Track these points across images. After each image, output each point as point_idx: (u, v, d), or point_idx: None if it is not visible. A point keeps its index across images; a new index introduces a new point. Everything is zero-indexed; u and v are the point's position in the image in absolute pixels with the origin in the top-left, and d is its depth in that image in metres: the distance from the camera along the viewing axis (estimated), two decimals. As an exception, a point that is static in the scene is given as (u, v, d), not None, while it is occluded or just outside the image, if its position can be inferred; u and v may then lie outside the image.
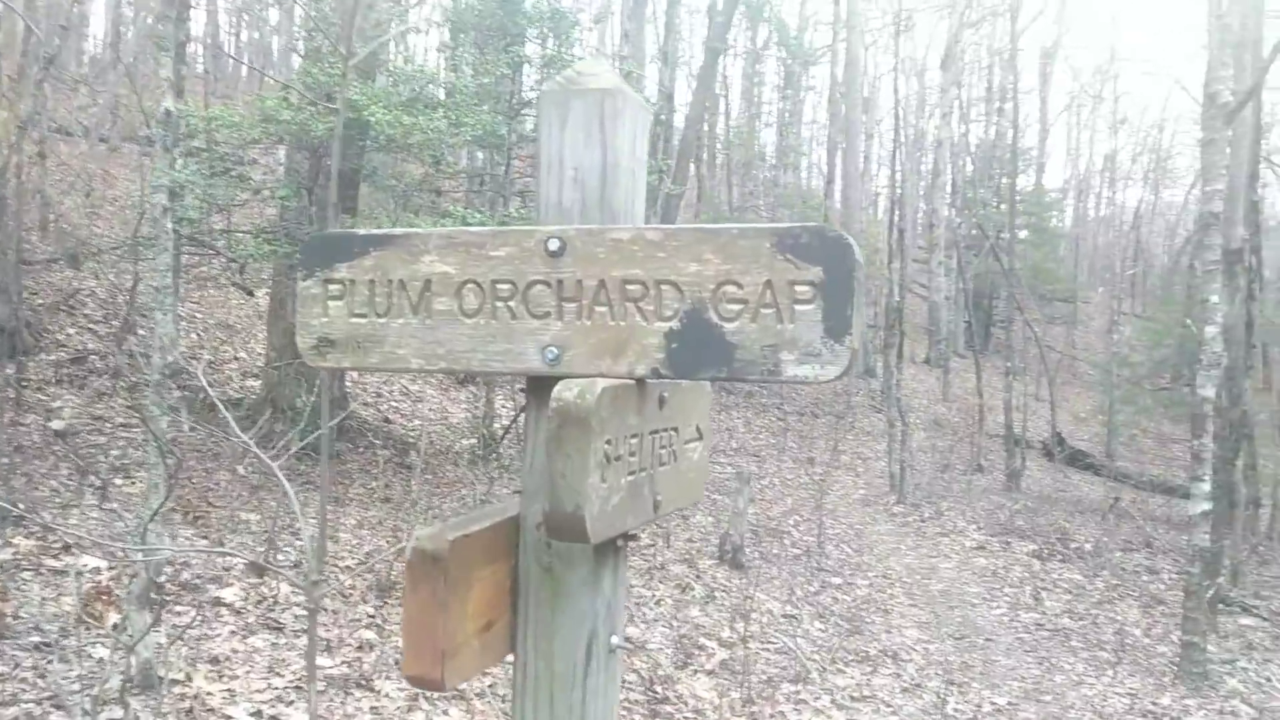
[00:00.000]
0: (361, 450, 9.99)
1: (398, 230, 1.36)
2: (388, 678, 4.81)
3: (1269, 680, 7.81)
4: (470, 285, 1.31)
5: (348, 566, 6.47)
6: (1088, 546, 11.94)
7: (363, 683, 4.72)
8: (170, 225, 4.41)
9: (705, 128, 24.29)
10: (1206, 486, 7.63)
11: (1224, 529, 10.07)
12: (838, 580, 9.30)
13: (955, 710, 6.17)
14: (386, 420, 11.51)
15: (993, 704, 6.50)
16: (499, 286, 1.30)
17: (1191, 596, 7.45)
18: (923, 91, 36.92)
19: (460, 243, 1.32)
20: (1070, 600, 9.67)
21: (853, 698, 5.98)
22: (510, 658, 1.33)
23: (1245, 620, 9.59)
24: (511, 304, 1.29)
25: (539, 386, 1.32)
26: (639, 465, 1.27)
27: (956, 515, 13.47)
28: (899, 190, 22.53)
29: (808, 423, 19.18)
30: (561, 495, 1.13)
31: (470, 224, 8.53)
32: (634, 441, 1.26)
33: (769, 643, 6.70)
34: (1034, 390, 23.39)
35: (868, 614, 8.21)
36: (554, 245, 1.27)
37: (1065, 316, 33.37)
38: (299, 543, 6.53)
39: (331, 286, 1.38)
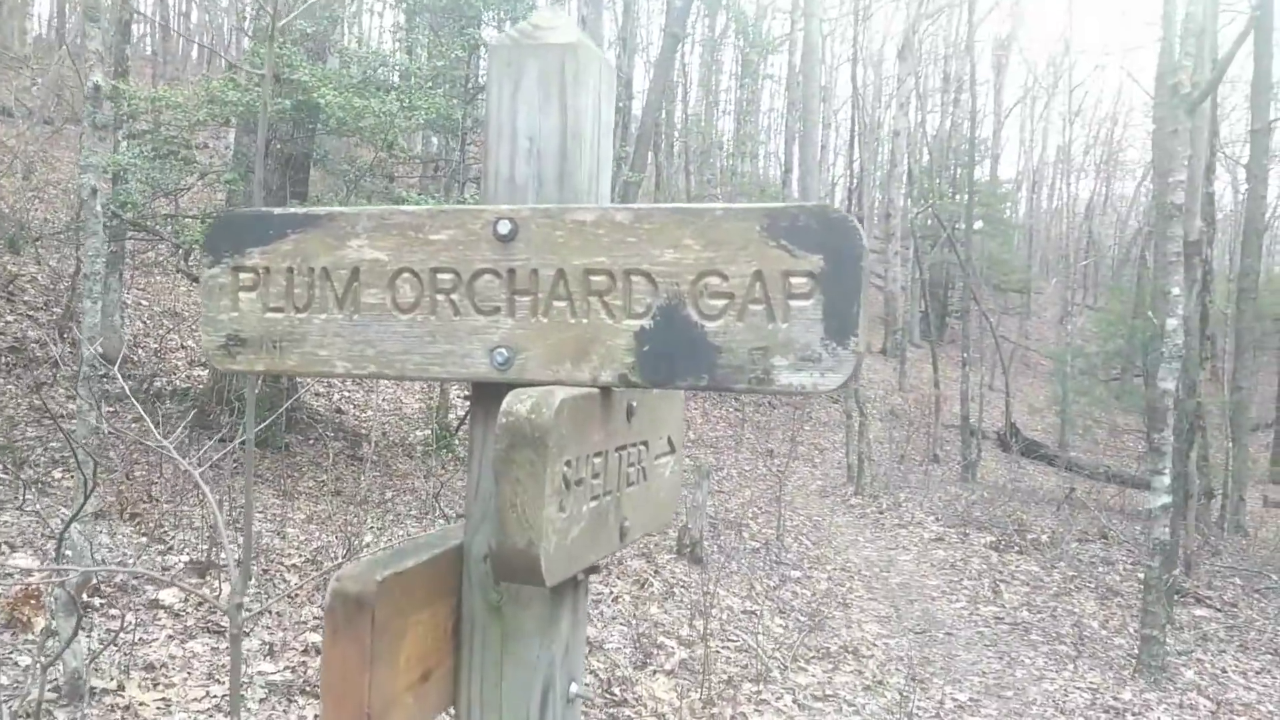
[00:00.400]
0: (312, 442, 9.72)
1: (320, 209, 1.15)
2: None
3: (1224, 672, 7.81)
4: (406, 275, 1.11)
5: (294, 565, 6.23)
6: (1044, 538, 11.96)
7: (307, 689, 4.50)
8: (99, 207, 4.15)
9: (663, 115, 24.10)
10: (1166, 480, 7.59)
11: (1178, 520, 10.10)
12: (797, 574, 9.19)
13: (918, 709, 6.07)
14: (339, 411, 11.24)
15: (954, 700, 6.42)
16: (440, 277, 1.10)
17: (1151, 590, 7.42)
18: (879, 82, 37.02)
19: (394, 224, 1.11)
20: (1028, 592, 9.64)
21: (815, 697, 5.86)
22: (451, 711, 1.14)
23: (1199, 611, 9.63)
24: (454, 297, 1.09)
25: (486, 394, 1.12)
26: (603, 488, 1.08)
27: (914, 506, 13.45)
28: (856, 180, 22.46)
29: (765, 414, 19.10)
30: (511, 529, 0.93)
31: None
32: (598, 461, 1.06)
33: (729, 640, 6.55)
34: (989, 381, 23.53)
35: (828, 609, 8.11)
36: (505, 228, 1.07)
37: (1019, 307, 33.71)
38: (244, 539, 6.28)
39: (243, 275, 1.17)
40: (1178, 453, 10.19)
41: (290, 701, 4.38)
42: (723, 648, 6.35)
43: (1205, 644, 8.50)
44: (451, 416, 11.52)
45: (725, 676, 5.77)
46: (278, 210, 1.15)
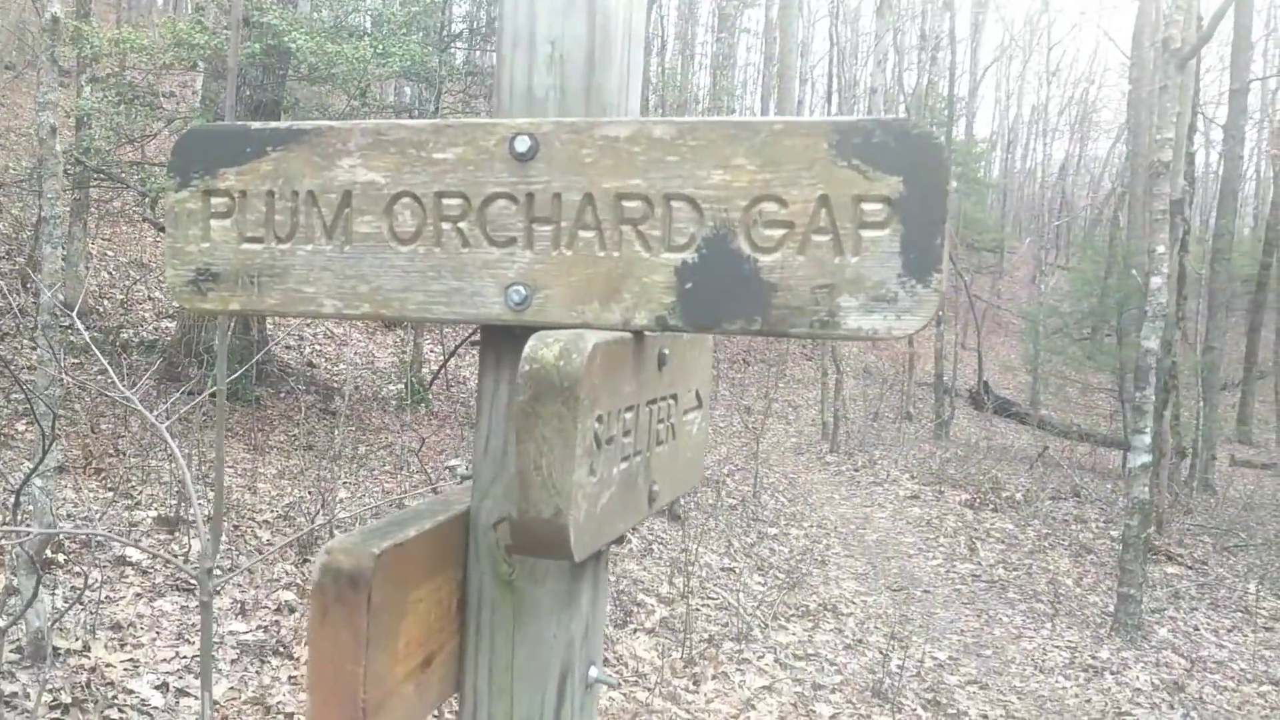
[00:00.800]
0: (283, 395, 9.54)
1: (306, 123, 0.99)
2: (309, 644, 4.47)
3: (1196, 629, 7.86)
4: (406, 200, 0.95)
5: (266, 520, 6.08)
6: (1018, 495, 11.99)
7: (280, 650, 4.37)
8: (59, 148, 3.94)
9: (640, 68, 23.75)
10: (1148, 439, 7.57)
11: (1153, 479, 10.13)
12: (774, 531, 9.14)
13: (898, 667, 6.03)
14: (310, 364, 11.04)
15: (934, 659, 6.39)
16: (446, 202, 0.94)
17: (1129, 549, 7.42)
18: (856, 38, 36.70)
19: (392, 141, 0.95)
20: (1004, 550, 9.65)
21: (796, 656, 5.80)
22: (455, 698, 1.01)
23: (1171, 569, 9.69)
24: (463, 226, 0.94)
25: (500, 340, 0.97)
26: (634, 448, 0.93)
27: (889, 464, 13.46)
28: (834, 136, 22.28)
29: (740, 370, 19.05)
30: (535, 495, 0.79)
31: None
32: (629, 417, 0.91)
33: (709, 598, 6.48)
34: (961, 339, 23.58)
35: (806, 566, 8.06)
36: (523, 145, 0.91)
37: (992, 267, 33.75)
38: (215, 496, 6.11)
39: (215, 200, 1.00)
40: (1154, 412, 10.21)
41: (263, 662, 4.26)
42: (702, 605, 6.28)
43: (1177, 602, 8.55)
44: (425, 371, 11.36)
45: (706, 635, 5.70)
46: (255, 124, 0.99)
